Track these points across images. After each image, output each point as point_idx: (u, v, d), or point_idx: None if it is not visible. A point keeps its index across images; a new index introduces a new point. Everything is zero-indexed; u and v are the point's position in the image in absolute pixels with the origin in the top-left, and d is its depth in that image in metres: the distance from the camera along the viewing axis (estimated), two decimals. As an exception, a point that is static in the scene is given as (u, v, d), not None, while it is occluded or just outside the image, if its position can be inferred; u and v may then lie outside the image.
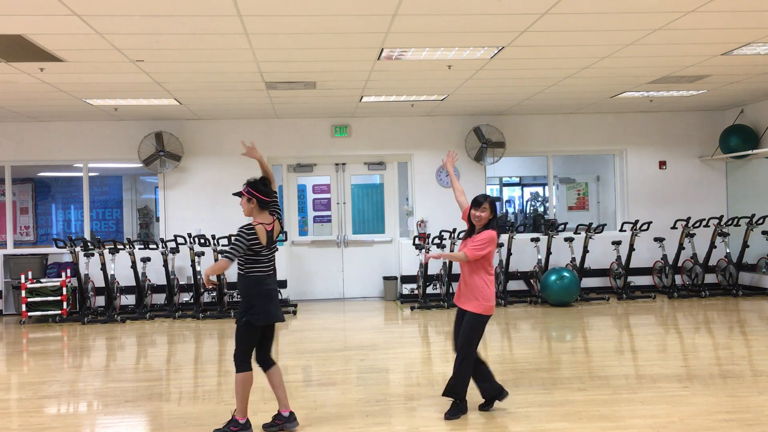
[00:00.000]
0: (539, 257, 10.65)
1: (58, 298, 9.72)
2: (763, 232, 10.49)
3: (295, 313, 9.99)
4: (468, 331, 4.97)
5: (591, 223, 10.82)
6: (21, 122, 10.54)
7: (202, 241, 9.85)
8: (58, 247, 10.31)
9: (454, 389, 5.02)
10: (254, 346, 4.75)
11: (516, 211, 15.01)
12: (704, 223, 10.77)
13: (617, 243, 10.71)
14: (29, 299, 9.65)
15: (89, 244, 10.16)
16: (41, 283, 9.79)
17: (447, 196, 10.65)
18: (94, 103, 9.01)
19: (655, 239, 10.82)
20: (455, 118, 11.13)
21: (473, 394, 5.10)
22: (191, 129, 10.82)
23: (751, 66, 7.88)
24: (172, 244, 10.10)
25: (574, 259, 10.63)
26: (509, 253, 10.47)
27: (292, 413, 4.83)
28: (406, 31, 5.96)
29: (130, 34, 5.81)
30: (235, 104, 9.53)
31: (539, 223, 12.19)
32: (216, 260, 9.59)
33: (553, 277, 10.00)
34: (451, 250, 10.12)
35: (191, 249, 9.99)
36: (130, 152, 10.61)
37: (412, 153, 11.25)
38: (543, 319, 9.13)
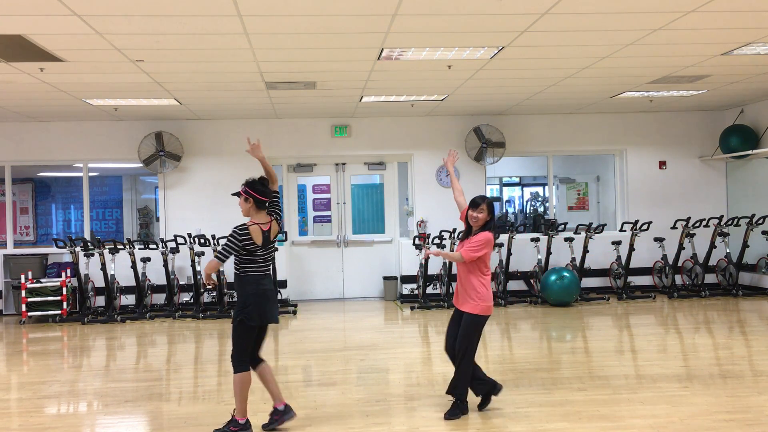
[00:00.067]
0: (539, 257, 10.65)
1: (58, 298, 9.73)
2: (763, 232, 10.49)
3: (295, 313, 9.99)
4: (467, 332, 4.97)
5: (591, 223, 10.82)
6: (21, 122, 10.54)
7: (202, 241, 9.85)
8: (58, 247, 10.31)
9: (456, 389, 5.02)
10: (251, 346, 4.76)
11: (516, 211, 15.01)
12: (704, 223, 10.77)
13: (617, 243, 10.71)
14: (29, 299, 9.65)
15: (89, 244, 10.16)
16: (41, 283, 9.79)
17: (447, 196, 10.64)
18: (94, 103, 9.01)
19: (655, 239, 10.82)
20: (455, 118, 11.13)
21: (473, 394, 5.10)
22: (191, 129, 10.83)
23: (751, 66, 7.87)
24: (172, 244, 10.11)
25: (574, 259, 10.63)
26: (509, 253, 10.47)
27: (286, 405, 4.84)
28: (406, 31, 5.96)
29: (130, 34, 5.81)
30: (235, 104, 9.53)
31: (539, 223, 12.19)
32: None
33: (553, 277, 10.00)
34: (451, 250, 10.12)
35: (191, 249, 9.99)
36: (130, 152, 10.61)
37: (412, 153, 11.25)
38: (543, 319, 9.13)
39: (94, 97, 8.70)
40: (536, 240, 10.70)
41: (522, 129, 11.28)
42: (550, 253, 10.63)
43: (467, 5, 5.30)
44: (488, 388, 5.13)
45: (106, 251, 9.86)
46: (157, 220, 11.88)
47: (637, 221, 10.57)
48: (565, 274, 9.98)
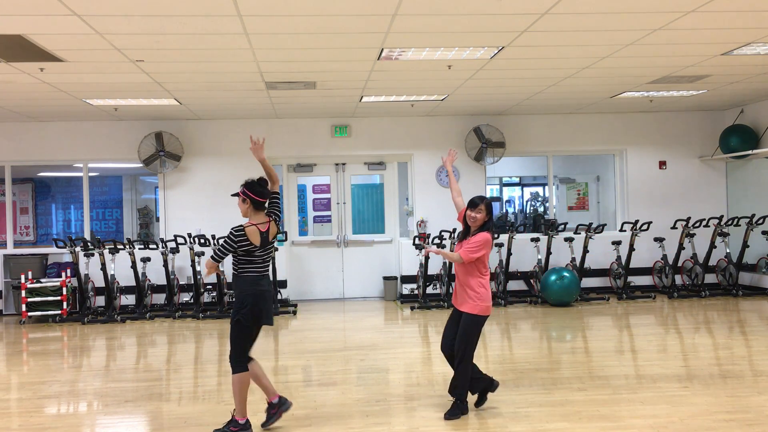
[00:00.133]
0: (539, 257, 10.65)
1: (58, 298, 9.73)
2: (763, 232, 10.49)
3: (295, 313, 9.98)
4: (466, 332, 4.97)
5: (591, 223, 10.82)
6: (21, 122, 10.54)
7: (202, 241, 9.85)
8: (58, 247, 10.31)
9: (456, 389, 5.02)
10: (249, 346, 4.76)
11: (516, 211, 15.01)
12: (704, 223, 10.77)
13: (617, 243, 10.71)
14: (29, 299, 9.65)
15: (89, 244, 10.16)
16: (41, 283, 9.79)
17: (447, 196, 10.52)
18: (94, 103, 9.01)
19: (655, 239, 10.82)
20: (455, 118, 11.13)
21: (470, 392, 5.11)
22: (191, 129, 10.83)
23: (751, 66, 7.87)
24: (172, 244, 10.11)
25: (574, 259, 10.63)
26: (509, 253, 10.47)
27: (281, 397, 4.84)
28: (406, 31, 5.96)
29: (130, 34, 5.81)
30: (235, 104, 9.53)
31: (539, 223, 12.19)
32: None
33: (553, 277, 10.00)
34: (451, 250, 10.12)
35: (191, 249, 9.99)
36: (130, 152, 10.61)
37: (412, 153, 11.25)
38: (543, 319, 9.13)
39: (94, 97, 8.70)
40: (536, 240, 10.70)
41: (522, 129, 11.28)
42: (550, 253, 10.63)
43: (467, 5, 5.30)
44: (485, 386, 5.14)
45: (106, 251, 9.86)
46: (157, 220, 11.88)
47: (637, 221, 10.57)
48: (565, 274, 9.98)
